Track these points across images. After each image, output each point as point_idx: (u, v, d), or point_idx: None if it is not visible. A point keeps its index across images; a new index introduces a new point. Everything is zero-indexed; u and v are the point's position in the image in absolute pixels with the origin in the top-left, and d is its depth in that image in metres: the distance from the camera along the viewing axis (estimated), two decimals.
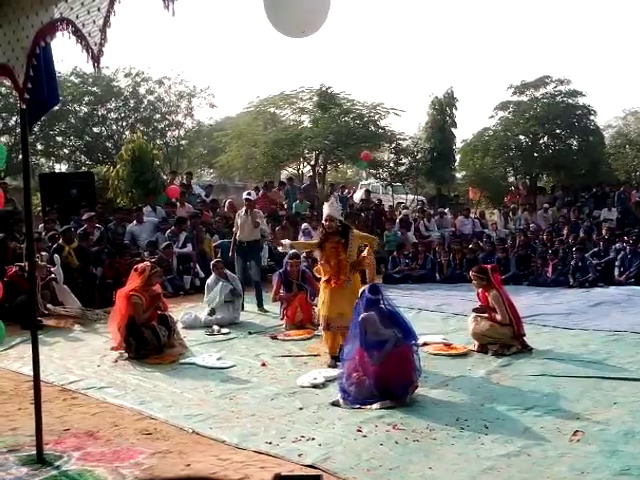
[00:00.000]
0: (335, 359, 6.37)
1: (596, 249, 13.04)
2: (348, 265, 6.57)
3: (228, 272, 9.19)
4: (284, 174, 24.33)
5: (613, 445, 4.32)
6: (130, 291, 7.05)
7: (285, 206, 16.44)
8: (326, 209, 6.82)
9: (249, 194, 10.10)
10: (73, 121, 26.46)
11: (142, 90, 27.74)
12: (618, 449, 4.25)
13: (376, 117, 22.38)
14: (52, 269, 9.43)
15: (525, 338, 7.06)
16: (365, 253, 6.73)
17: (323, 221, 6.85)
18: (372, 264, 6.82)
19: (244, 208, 9.75)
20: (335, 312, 6.52)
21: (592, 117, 22.43)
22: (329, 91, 22.16)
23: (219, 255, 11.57)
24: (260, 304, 9.74)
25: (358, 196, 20.25)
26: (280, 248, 7.46)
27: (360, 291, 5.74)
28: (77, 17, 3.41)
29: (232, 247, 9.95)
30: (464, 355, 6.89)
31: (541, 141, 22.59)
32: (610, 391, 5.54)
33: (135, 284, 7.14)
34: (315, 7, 3.70)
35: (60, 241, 10.35)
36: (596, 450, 4.25)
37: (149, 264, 7.47)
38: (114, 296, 8.90)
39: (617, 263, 12.22)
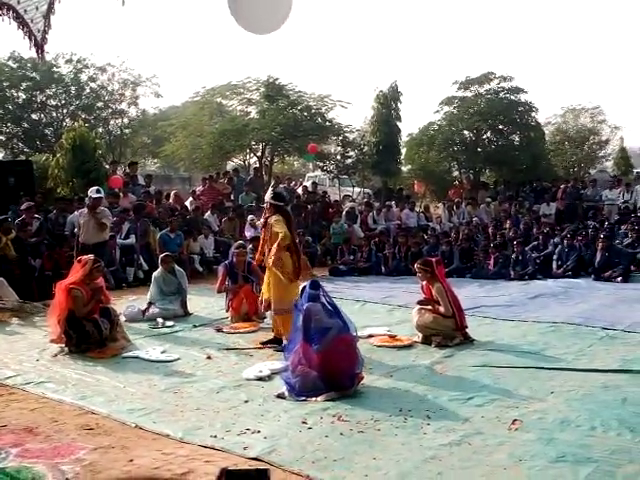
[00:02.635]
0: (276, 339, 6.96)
1: (535, 243, 13.42)
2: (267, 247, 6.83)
3: (176, 267, 9.07)
4: (230, 165, 24.12)
5: (550, 433, 4.47)
6: (70, 284, 6.87)
7: (232, 197, 16.31)
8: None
9: (98, 191, 9.06)
10: (10, 107, 25.59)
11: (84, 77, 27.03)
12: (554, 437, 4.40)
13: (323, 109, 22.42)
14: None
15: (467, 330, 7.21)
16: (272, 251, 6.68)
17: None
18: (277, 265, 6.67)
19: (86, 207, 8.84)
20: (267, 293, 6.97)
21: (533, 114, 23.08)
22: (276, 82, 22.06)
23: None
24: None
25: (308, 184, 20.27)
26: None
27: (301, 287, 5.77)
28: (19, 2, 3.29)
29: (75, 251, 8.95)
30: (408, 347, 6.99)
31: (484, 136, 23.09)
32: (547, 381, 5.72)
33: (76, 277, 6.97)
34: (278, 5, 3.71)
35: None
36: (534, 438, 4.39)
37: (92, 258, 7.29)
38: (53, 288, 8.68)
39: (555, 257, 12.60)
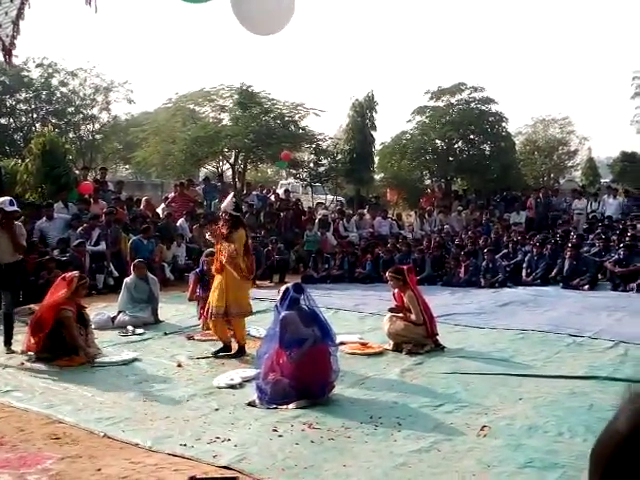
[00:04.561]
0: (225, 346, 7.03)
1: (506, 251, 13.59)
2: (222, 256, 6.92)
3: (149, 274, 9.00)
4: (203, 172, 24.02)
5: (517, 439, 4.52)
6: (59, 304, 6.73)
7: (204, 204, 16.24)
8: (222, 204, 7.59)
9: (12, 203, 7.38)
10: None
11: (55, 81, 26.71)
12: (522, 443, 4.45)
13: (296, 117, 22.46)
14: None
15: (438, 337, 7.27)
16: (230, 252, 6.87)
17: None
18: (230, 263, 6.88)
19: None
20: (212, 299, 6.98)
21: (504, 124, 23.41)
22: (249, 90, 22.05)
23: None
24: (7, 342, 7.16)
25: (281, 192, 20.28)
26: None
27: (283, 289, 5.75)
28: None
29: None
30: (379, 354, 7.02)
31: (456, 145, 23.35)
32: (516, 387, 5.79)
33: (62, 295, 6.83)
34: (281, 6, 3.74)
35: None
36: (502, 444, 4.43)
37: (77, 274, 7.17)
38: (20, 296, 8.55)
39: (525, 265, 12.78)
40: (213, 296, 6.98)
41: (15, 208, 7.49)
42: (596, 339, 7.63)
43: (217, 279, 7.01)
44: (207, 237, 7.79)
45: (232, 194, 8.46)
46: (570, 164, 29.53)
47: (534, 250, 12.86)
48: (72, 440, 4.57)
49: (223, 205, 7.46)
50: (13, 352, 6.97)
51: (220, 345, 7.11)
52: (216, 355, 6.97)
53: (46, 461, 4.17)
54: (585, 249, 13.17)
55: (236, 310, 6.94)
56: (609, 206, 16.73)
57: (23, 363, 6.60)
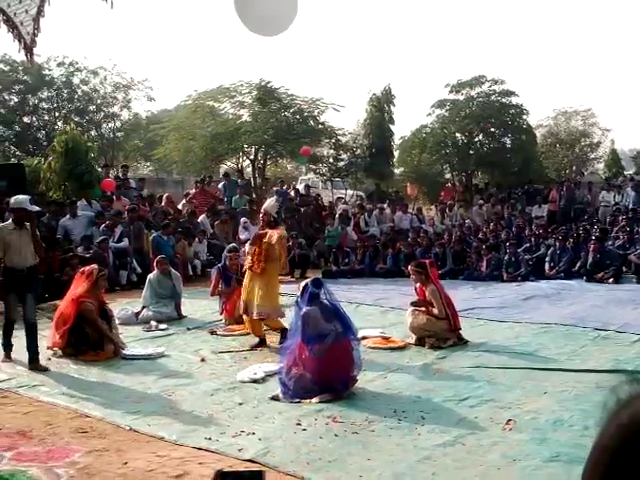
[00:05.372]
0: (260, 340, 7.20)
1: (528, 245, 13.47)
2: (262, 255, 7.11)
3: (172, 269, 9.08)
4: (223, 168, 24.08)
5: (543, 433, 4.49)
6: (80, 297, 6.83)
7: (225, 200, 16.31)
8: (265, 204, 7.73)
9: (32, 202, 6.79)
10: (2, 110, 25.49)
11: (76, 80, 26.96)
12: (548, 437, 4.42)
13: (316, 112, 22.41)
14: None
15: (461, 331, 7.24)
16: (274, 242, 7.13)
17: (260, 214, 7.68)
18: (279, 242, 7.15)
19: (10, 221, 6.60)
20: (247, 296, 7.16)
21: (525, 116, 23.13)
22: (268, 85, 22.05)
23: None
24: (34, 359, 6.40)
25: (301, 187, 20.31)
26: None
27: (302, 284, 5.76)
28: (8, 5, 3.29)
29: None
30: (402, 348, 7.01)
31: (476, 139, 23.14)
32: (540, 381, 5.74)
33: (82, 288, 6.93)
34: (284, 6, 3.74)
35: None
36: (527, 438, 4.41)
37: (96, 267, 7.25)
38: (45, 292, 8.66)
39: (547, 258, 12.66)
40: (254, 295, 7.11)
41: (37, 208, 7.38)
42: (622, 332, 7.54)
43: (253, 279, 7.16)
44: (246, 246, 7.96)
45: (275, 197, 8.87)
46: (593, 156, 29.12)
47: (557, 243, 12.73)
48: (99, 434, 4.64)
49: (265, 206, 7.67)
50: (38, 369, 6.32)
51: (254, 339, 7.32)
52: (253, 349, 7.13)
53: (73, 454, 4.23)
54: (609, 242, 13.02)
55: (275, 313, 7.24)
56: (633, 198, 16.50)
57: (50, 359, 6.69)
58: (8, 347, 6.64)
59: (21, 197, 6.76)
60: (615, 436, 0.72)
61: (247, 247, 7.60)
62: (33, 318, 6.54)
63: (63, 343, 6.76)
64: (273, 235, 7.13)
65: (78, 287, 6.99)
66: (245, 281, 7.33)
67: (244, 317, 7.35)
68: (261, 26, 3.80)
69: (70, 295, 6.96)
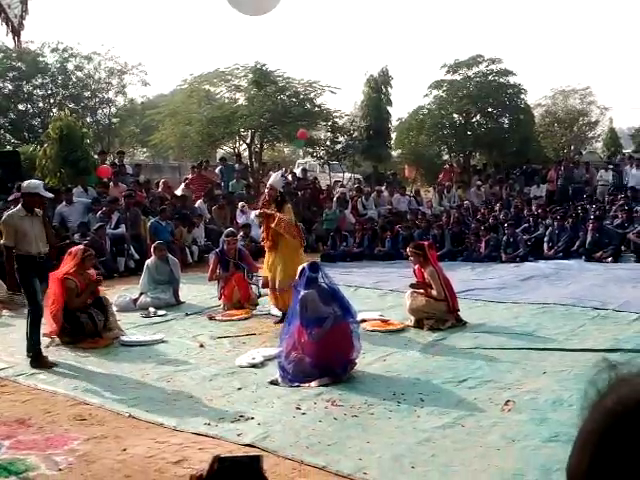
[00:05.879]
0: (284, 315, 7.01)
1: (526, 225, 13.44)
2: (270, 236, 7.27)
3: (169, 255, 9.04)
4: (220, 153, 23.98)
5: (542, 413, 4.49)
6: (64, 274, 6.82)
7: (222, 185, 16.25)
8: (270, 179, 7.77)
9: (43, 186, 6.56)
10: None
11: (70, 66, 26.78)
12: (547, 417, 4.42)
13: (312, 95, 22.28)
14: None
15: (459, 312, 7.23)
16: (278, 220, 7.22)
17: (265, 189, 7.71)
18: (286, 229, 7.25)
19: (20, 206, 6.23)
20: (270, 272, 7.35)
21: (522, 96, 22.98)
22: (264, 68, 21.89)
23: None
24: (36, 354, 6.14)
25: (298, 171, 20.23)
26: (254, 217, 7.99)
27: (300, 269, 5.75)
28: None
29: (13, 268, 6.19)
30: (401, 331, 7.00)
31: (474, 119, 23.02)
32: (539, 361, 5.74)
33: (68, 267, 6.92)
34: None
35: None
36: (526, 419, 4.41)
37: (82, 247, 7.24)
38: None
39: (546, 238, 12.63)
40: (274, 271, 7.25)
41: (51, 195, 7.30)
42: (621, 311, 7.53)
43: (271, 256, 7.35)
44: (255, 217, 8.01)
45: (281, 171, 8.86)
46: (591, 135, 28.99)
47: (555, 223, 12.70)
48: (98, 421, 4.63)
49: (271, 181, 7.67)
50: (41, 365, 6.00)
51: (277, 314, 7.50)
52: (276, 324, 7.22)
53: (72, 442, 4.22)
54: (608, 221, 12.99)
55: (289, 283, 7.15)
56: (632, 177, 16.40)
57: (48, 346, 6.66)
58: (38, 344, 6.16)
59: (35, 181, 6.67)
60: (600, 420, 0.73)
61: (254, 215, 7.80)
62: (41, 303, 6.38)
63: (59, 329, 6.74)
64: (280, 223, 7.14)
65: (64, 267, 6.98)
66: (266, 257, 7.56)
67: (269, 292, 7.49)
68: (245, 5, 3.73)
69: (56, 274, 6.93)
